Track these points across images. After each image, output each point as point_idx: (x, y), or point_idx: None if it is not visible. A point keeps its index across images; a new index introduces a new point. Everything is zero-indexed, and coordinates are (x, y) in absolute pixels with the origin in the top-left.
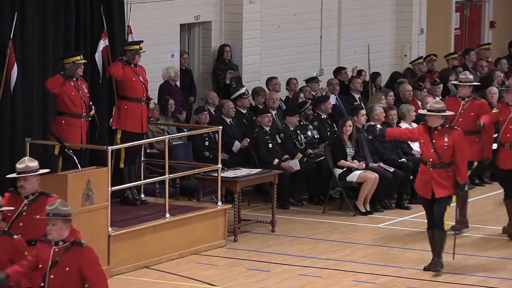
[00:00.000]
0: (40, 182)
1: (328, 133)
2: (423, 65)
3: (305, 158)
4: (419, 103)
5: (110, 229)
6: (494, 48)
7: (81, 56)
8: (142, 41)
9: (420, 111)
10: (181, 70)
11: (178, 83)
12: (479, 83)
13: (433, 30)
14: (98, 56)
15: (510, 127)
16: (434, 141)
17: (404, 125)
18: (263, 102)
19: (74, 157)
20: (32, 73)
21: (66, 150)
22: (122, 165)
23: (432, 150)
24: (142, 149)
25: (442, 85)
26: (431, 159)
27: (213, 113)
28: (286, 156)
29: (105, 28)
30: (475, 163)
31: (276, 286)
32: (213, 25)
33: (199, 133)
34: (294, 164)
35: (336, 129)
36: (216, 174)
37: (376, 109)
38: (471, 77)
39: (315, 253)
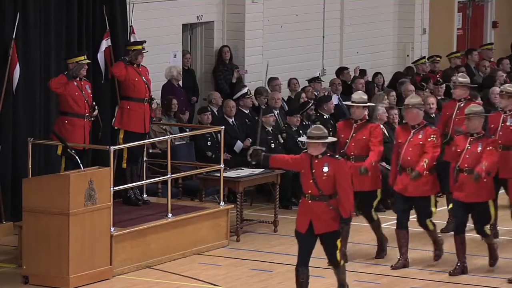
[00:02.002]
0: (42, 182)
1: (331, 133)
2: (426, 65)
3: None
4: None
5: (112, 229)
6: (496, 48)
7: (85, 56)
8: (144, 41)
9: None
10: (184, 70)
11: (180, 82)
12: (475, 85)
13: (435, 30)
14: (100, 56)
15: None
16: (313, 170)
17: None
18: (266, 102)
19: (77, 157)
20: (35, 73)
21: (68, 150)
22: (124, 165)
23: (311, 181)
24: (145, 149)
25: (444, 85)
26: (309, 191)
27: (216, 113)
28: None
29: (108, 28)
30: None
31: (279, 286)
32: (215, 25)
33: (201, 133)
34: None
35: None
36: (219, 174)
37: (379, 109)
38: (467, 78)
39: (317, 253)
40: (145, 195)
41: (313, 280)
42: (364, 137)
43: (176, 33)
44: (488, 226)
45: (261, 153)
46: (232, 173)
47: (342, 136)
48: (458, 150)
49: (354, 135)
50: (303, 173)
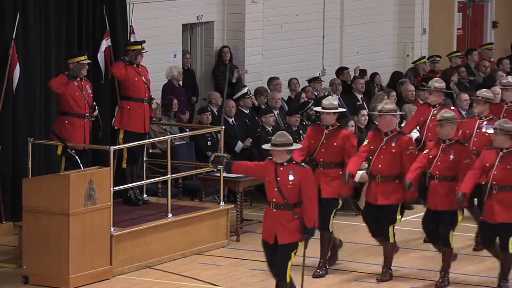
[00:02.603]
0: (42, 182)
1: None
2: (426, 65)
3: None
4: (421, 102)
5: (112, 229)
6: (496, 48)
7: (85, 56)
8: (144, 41)
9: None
10: (184, 70)
11: (181, 82)
12: (450, 91)
13: (435, 30)
14: (100, 56)
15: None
16: (278, 178)
17: None
18: (266, 102)
19: (77, 157)
20: (35, 73)
21: (68, 150)
22: (124, 165)
23: (275, 189)
24: (145, 149)
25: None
26: (274, 199)
27: (216, 113)
28: None
29: (108, 28)
30: None
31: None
32: (215, 25)
33: (201, 133)
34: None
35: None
36: (219, 174)
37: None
38: (442, 84)
39: (317, 253)
40: (145, 195)
41: (315, 280)
42: (335, 144)
43: (176, 33)
44: (451, 234)
45: (223, 159)
46: (232, 173)
47: (312, 142)
48: (430, 156)
49: (324, 141)
50: (268, 181)
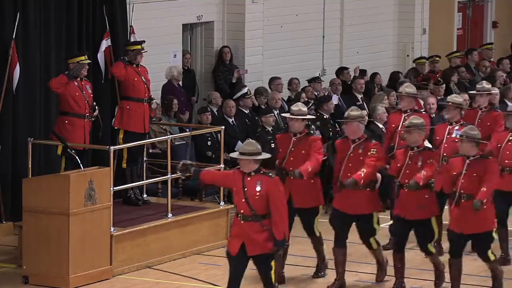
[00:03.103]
0: (42, 182)
1: (331, 133)
2: (425, 65)
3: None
4: (421, 102)
5: (112, 229)
6: (496, 48)
7: (86, 56)
8: (144, 41)
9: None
10: (184, 70)
11: (180, 83)
12: (417, 95)
13: (435, 30)
14: (100, 56)
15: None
16: (245, 189)
17: None
18: (266, 102)
19: (77, 157)
20: (35, 73)
21: (68, 150)
22: (124, 165)
23: (243, 200)
24: (145, 149)
25: (445, 85)
26: (242, 211)
27: (216, 113)
28: None
29: (108, 28)
30: None
31: (278, 286)
32: (215, 25)
33: (201, 133)
34: None
35: (339, 129)
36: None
37: (379, 109)
38: (413, 89)
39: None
40: (145, 195)
41: (314, 280)
42: (303, 151)
43: (176, 33)
44: (432, 244)
45: (191, 168)
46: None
47: (281, 150)
48: (398, 165)
49: (293, 149)
50: (235, 191)
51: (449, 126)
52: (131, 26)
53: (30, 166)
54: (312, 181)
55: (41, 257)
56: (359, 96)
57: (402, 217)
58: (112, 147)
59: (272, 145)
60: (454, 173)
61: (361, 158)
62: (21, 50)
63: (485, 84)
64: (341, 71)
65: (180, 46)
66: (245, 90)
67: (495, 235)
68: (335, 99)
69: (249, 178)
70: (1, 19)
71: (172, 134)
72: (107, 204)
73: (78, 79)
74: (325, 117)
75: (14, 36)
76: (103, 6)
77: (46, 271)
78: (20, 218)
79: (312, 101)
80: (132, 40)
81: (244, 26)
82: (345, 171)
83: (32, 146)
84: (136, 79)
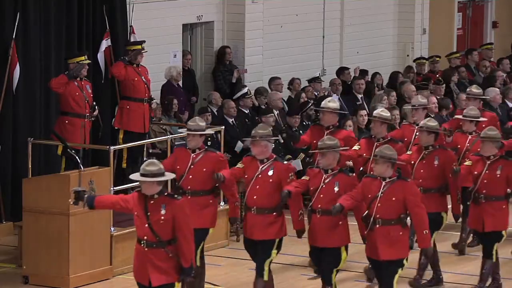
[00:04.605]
0: (42, 182)
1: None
2: (425, 65)
3: (307, 158)
4: None
5: (112, 229)
6: (496, 48)
7: (86, 56)
8: (144, 41)
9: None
10: (184, 70)
11: (180, 83)
12: (344, 112)
13: (435, 30)
14: (100, 56)
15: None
16: (148, 213)
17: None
18: (266, 102)
19: (77, 157)
20: (35, 73)
21: (68, 150)
22: (124, 165)
23: (146, 225)
24: (145, 149)
25: (445, 85)
26: (145, 237)
27: (216, 113)
28: (289, 156)
29: (108, 28)
30: None
31: (278, 286)
32: (215, 25)
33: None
34: (297, 164)
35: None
36: None
37: (379, 109)
38: (336, 104)
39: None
40: None
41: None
42: (204, 169)
43: (176, 33)
44: (334, 273)
45: (83, 195)
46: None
47: (178, 167)
48: (311, 188)
49: (192, 166)
50: (137, 216)
51: (376, 143)
52: (131, 26)
53: (30, 166)
54: (211, 201)
55: (41, 257)
56: (359, 96)
57: (314, 245)
58: (112, 147)
59: (272, 146)
60: (369, 195)
61: (271, 180)
62: (21, 50)
63: (421, 98)
64: (341, 71)
65: (180, 46)
66: (245, 90)
67: (405, 262)
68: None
69: (152, 201)
70: (1, 19)
71: (172, 134)
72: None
73: (78, 79)
74: None
75: (14, 36)
76: (103, 6)
77: (46, 271)
78: (20, 218)
79: (312, 101)
80: (132, 40)
81: (244, 26)
82: (250, 193)
83: (32, 146)
84: (136, 79)
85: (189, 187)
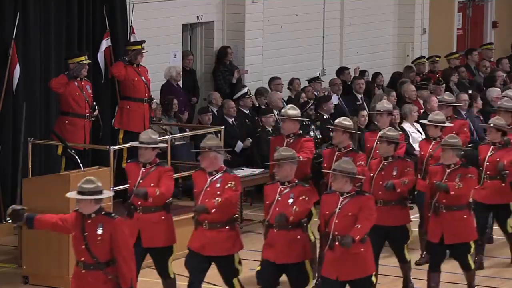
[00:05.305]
0: (42, 182)
1: (331, 133)
2: (424, 65)
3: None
4: (421, 101)
5: None
6: (496, 48)
7: (86, 56)
8: (144, 41)
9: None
10: (184, 70)
11: (180, 83)
12: (307, 119)
13: (435, 30)
14: (100, 56)
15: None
16: (85, 233)
17: (406, 125)
18: (266, 102)
19: (77, 157)
20: (35, 73)
21: (69, 150)
22: (124, 165)
23: (83, 246)
24: None
25: (445, 85)
26: (82, 258)
27: (216, 113)
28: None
29: (108, 28)
30: None
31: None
32: (215, 25)
33: (201, 133)
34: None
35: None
36: None
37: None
38: (297, 111)
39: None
40: None
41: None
42: (152, 184)
43: (176, 33)
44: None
45: (23, 213)
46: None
47: (130, 181)
48: (267, 202)
49: (141, 181)
50: (74, 236)
51: (337, 153)
52: (131, 26)
53: (30, 166)
54: (163, 217)
55: (41, 257)
56: (359, 96)
57: (272, 261)
58: (112, 147)
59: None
60: (327, 212)
61: (218, 193)
62: (21, 50)
63: (386, 104)
64: (341, 71)
65: (180, 46)
66: (245, 90)
67: (374, 279)
68: (335, 99)
69: (89, 221)
70: (1, 19)
71: (172, 134)
72: (107, 204)
73: (78, 79)
74: (325, 117)
75: (14, 36)
76: (103, 6)
77: (46, 271)
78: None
79: (312, 101)
80: (132, 40)
81: (244, 26)
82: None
83: (32, 146)
84: (136, 79)
85: (139, 202)
